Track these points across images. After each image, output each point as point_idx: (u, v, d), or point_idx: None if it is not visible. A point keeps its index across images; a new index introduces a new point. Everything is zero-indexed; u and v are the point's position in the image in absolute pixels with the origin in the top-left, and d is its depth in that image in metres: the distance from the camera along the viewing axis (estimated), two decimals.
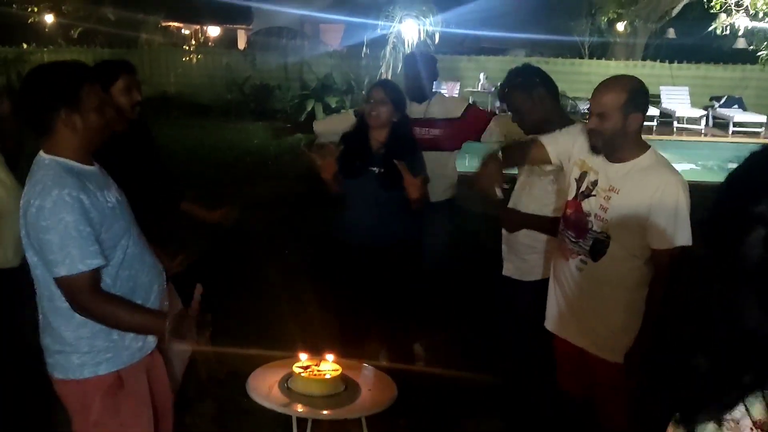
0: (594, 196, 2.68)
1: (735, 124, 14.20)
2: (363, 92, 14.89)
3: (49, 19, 20.89)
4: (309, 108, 14.80)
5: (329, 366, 2.89)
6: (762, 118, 14.16)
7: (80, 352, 2.23)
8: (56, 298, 2.18)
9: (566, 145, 2.82)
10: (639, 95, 2.60)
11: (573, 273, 2.75)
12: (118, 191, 2.34)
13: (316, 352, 2.98)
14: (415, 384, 3.73)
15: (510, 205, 3.32)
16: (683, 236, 2.52)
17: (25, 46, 17.67)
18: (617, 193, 2.60)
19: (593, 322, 2.75)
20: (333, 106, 15.05)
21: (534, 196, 3.19)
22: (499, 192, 2.83)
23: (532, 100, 3.19)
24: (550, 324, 2.93)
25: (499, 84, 3.42)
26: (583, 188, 2.72)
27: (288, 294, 4.87)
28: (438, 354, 4.07)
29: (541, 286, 3.02)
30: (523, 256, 3.26)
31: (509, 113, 3.36)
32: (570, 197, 2.80)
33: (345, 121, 4.16)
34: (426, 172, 3.58)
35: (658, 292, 2.57)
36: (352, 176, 3.49)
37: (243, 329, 4.31)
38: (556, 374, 3.00)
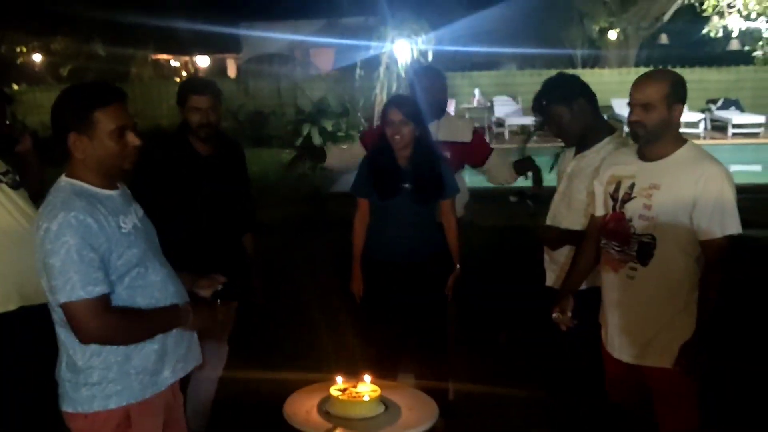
0: (634, 198, 2.60)
1: (734, 126, 14.14)
2: (359, 114, 14.87)
3: (37, 58, 20.94)
4: (305, 132, 14.72)
5: (367, 387, 2.72)
6: (761, 119, 14.12)
7: (90, 383, 2.11)
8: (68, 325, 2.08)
9: (590, 190, 2.85)
10: (680, 86, 2.56)
11: (625, 284, 2.64)
12: (139, 217, 2.25)
13: (353, 374, 2.81)
14: (458, 400, 3.70)
15: (549, 218, 3.17)
16: (731, 225, 2.45)
17: (15, 86, 17.58)
18: (659, 189, 2.54)
19: (651, 333, 2.63)
20: (329, 129, 14.97)
21: (573, 209, 3.03)
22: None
23: (572, 112, 2.98)
24: (608, 346, 2.79)
25: (533, 96, 3.12)
26: (621, 196, 2.65)
27: (318, 316, 4.75)
28: (480, 369, 3.91)
29: (588, 295, 2.88)
30: (566, 266, 3.08)
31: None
32: (600, 213, 2.75)
33: (355, 154, 3.98)
34: (455, 181, 3.54)
35: (710, 284, 2.48)
36: (388, 196, 3.40)
37: (274, 354, 4.21)
38: (605, 386, 2.86)
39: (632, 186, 2.61)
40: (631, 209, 2.60)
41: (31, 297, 2.88)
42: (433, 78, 3.86)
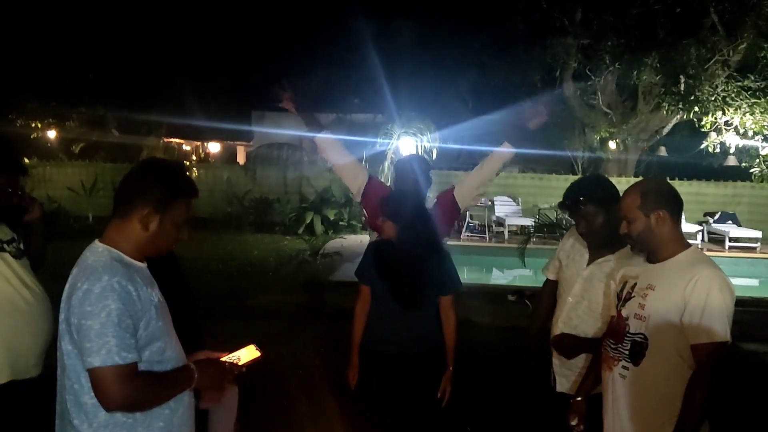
0: (633, 297, 2.63)
1: (731, 239, 14.30)
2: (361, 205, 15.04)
3: (51, 134, 21.36)
4: (308, 220, 14.93)
5: None
6: (757, 234, 14.28)
7: None
8: (84, 393, 2.06)
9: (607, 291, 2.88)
10: (654, 194, 2.59)
11: (618, 383, 2.63)
12: (159, 294, 2.26)
13: None
14: None
15: (561, 321, 3.17)
16: (718, 332, 2.40)
17: (27, 160, 17.88)
18: (654, 290, 2.55)
19: None
20: (331, 218, 15.20)
21: (593, 312, 3.05)
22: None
23: (607, 216, 3.00)
24: None
25: (564, 193, 3.12)
26: (624, 295, 2.69)
27: (313, 406, 4.71)
28: None
29: (596, 400, 2.83)
30: (581, 370, 3.06)
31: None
32: (613, 312, 2.76)
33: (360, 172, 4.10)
34: (457, 279, 3.55)
35: (694, 390, 2.41)
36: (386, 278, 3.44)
37: None
38: None
39: (634, 286, 2.64)
40: (629, 308, 2.62)
41: (22, 371, 2.84)
42: (418, 168, 3.94)
